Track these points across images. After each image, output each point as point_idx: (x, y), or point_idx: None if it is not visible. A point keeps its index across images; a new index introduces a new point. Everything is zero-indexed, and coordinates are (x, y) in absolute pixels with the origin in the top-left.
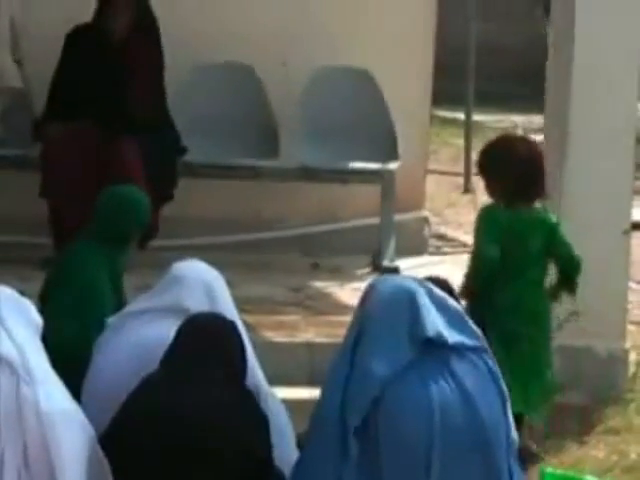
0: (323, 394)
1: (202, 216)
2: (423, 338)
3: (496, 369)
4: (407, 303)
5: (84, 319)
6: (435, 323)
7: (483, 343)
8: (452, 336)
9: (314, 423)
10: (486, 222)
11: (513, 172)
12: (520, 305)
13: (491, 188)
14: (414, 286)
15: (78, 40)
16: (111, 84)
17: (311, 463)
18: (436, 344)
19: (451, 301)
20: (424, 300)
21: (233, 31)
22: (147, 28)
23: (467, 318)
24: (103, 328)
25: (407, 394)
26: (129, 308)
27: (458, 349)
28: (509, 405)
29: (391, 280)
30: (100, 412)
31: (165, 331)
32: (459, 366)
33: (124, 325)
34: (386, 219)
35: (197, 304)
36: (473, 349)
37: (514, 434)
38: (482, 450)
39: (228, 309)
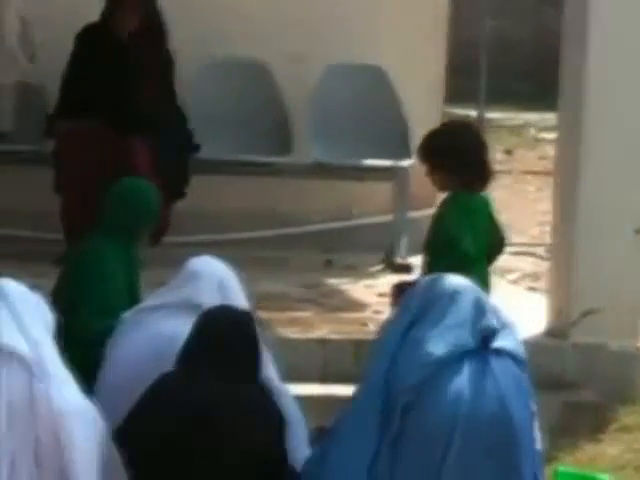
0: (369, 367)
1: (216, 213)
2: (486, 331)
3: (530, 387)
4: (473, 298)
5: (98, 314)
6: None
7: (525, 358)
8: (500, 340)
9: (356, 398)
10: (460, 211)
11: (473, 157)
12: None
13: (446, 175)
14: (477, 288)
15: (87, 40)
16: (119, 83)
17: (350, 431)
18: (484, 343)
19: (501, 310)
20: (486, 300)
21: (247, 27)
22: (155, 27)
23: (515, 330)
24: (118, 323)
25: (445, 383)
26: (144, 304)
27: (503, 354)
28: (536, 422)
29: (456, 277)
30: (114, 407)
31: (179, 327)
32: (500, 369)
33: (138, 321)
34: (399, 216)
35: (211, 300)
36: (516, 360)
37: (540, 446)
38: (508, 450)
39: (241, 304)
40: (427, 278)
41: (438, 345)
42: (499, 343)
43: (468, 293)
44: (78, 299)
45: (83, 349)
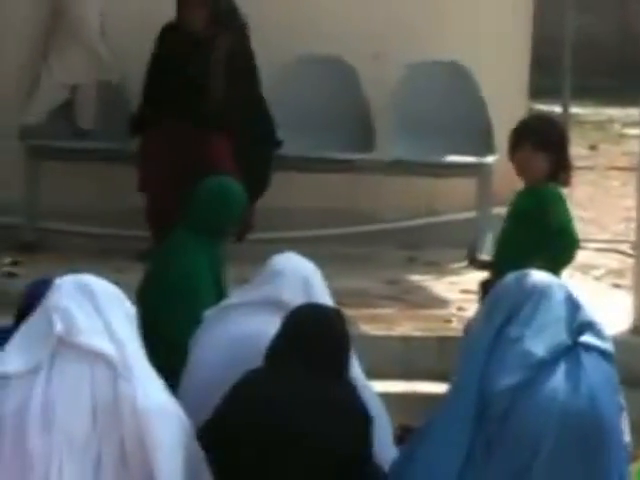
0: (460, 368)
1: (299, 209)
2: (582, 327)
3: (617, 380)
4: (565, 293)
5: (184, 311)
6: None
7: (612, 351)
8: (589, 335)
9: (448, 399)
10: (563, 201)
11: (566, 149)
12: None
13: (541, 165)
14: (565, 283)
15: (164, 39)
16: (195, 82)
17: (442, 433)
18: (577, 339)
19: (585, 304)
20: (577, 297)
21: (329, 25)
22: (229, 23)
23: (600, 324)
24: (202, 320)
25: (542, 383)
26: (227, 301)
27: (593, 349)
28: (624, 417)
29: (543, 273)
30: (198, 406)
31: (262, 324)
32: (590, 365)
33: (222, 318)
34: (482, 212)
35: (294, 297)
36: (605, 354)
37: (627, 438)
38: (598, 448)
39: (325, 302)
40: (513, 275)
41: (537, 345)
42: (589, 338)
43: (559, 289)
44: (166, 298)
45: (170, 349)
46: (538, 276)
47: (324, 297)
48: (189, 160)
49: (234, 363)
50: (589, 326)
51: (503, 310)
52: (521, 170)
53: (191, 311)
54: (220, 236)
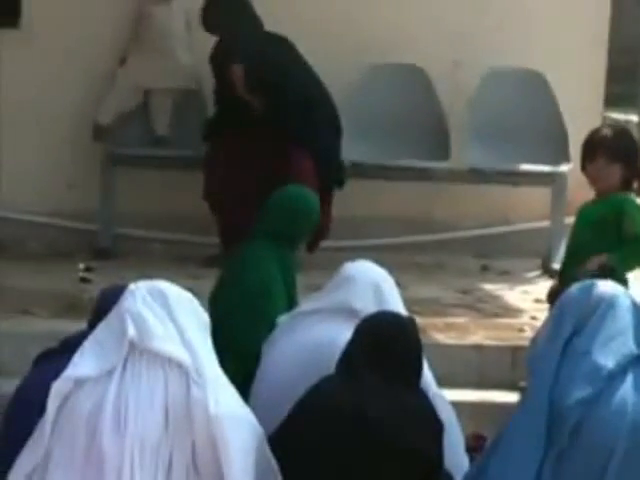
0: (530, 381)
1: (372, 217)
2: None
3: None
4: (629, 302)
5: (256, 319)
6: None
7: None
8: None
9: (519, 412)
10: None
11: (638, 158)
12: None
13: (614, 176)
14: (629, 292)
15: None
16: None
17: (513, 447)
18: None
19: None
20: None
21: (404, 33)
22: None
23: None
24: (274, 328)
25: (611, 395)
26: (298, 309)
27: None
28: None
29: (607, 283)
30: (270, 412)
31: (334, 331)
32: None
33: (293, 325)
34: (557, 222)
35: (366, 304)
36: None
37: None
38: None
39: (397, 309)
40: (578, 286)
41: (606, 357)
42: None
43: (624, 298)
44: (238, 305)
45: (242, 355)
46: (603, 287)
47: (396, 304)
48: (261, 169)
49: (306, 370)
50: None
51: (570, 323)
52: (594, 181)
53: (263, 318)
54: (293, 244)
